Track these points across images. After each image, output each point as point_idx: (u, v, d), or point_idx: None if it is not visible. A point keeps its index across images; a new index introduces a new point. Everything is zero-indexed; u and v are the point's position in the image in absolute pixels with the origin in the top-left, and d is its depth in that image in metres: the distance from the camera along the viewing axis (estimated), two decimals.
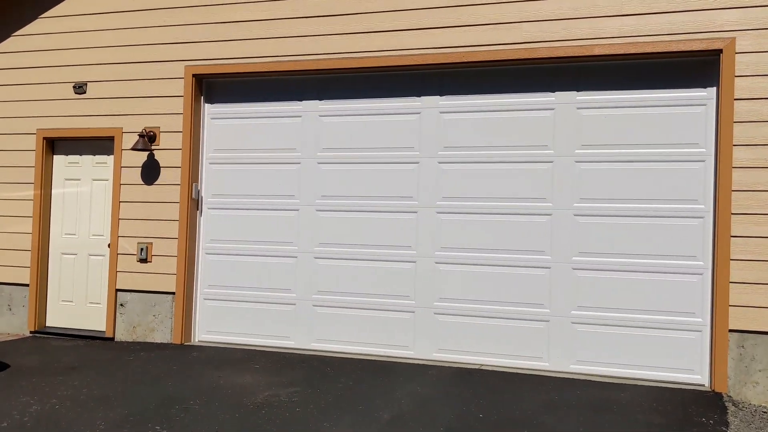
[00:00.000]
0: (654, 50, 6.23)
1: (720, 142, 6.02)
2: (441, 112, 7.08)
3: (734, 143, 5.96)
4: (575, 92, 6.64)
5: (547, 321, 6.69)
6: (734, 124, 5.96)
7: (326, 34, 7.31)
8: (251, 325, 7.71)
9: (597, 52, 6.39)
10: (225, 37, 7.65)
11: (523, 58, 6.64)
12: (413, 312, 7.14)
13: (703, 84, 6.25)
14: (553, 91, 6.71)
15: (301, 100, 7.61)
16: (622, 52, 6.32)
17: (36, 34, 8.38)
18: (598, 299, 6.52)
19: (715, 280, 6.05)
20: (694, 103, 6.29)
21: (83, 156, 8.34)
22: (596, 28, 6.42)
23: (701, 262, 6.24)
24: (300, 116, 7.61)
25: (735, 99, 5.97)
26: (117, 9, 8.09)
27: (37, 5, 8.38)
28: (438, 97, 7.10)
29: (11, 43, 8.49)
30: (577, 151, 6.63)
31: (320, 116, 7.52)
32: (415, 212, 7.14)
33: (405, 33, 7.03)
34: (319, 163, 7.51)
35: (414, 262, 7.14)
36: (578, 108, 6.63)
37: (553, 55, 6.54)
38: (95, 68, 8.13)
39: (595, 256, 6.55)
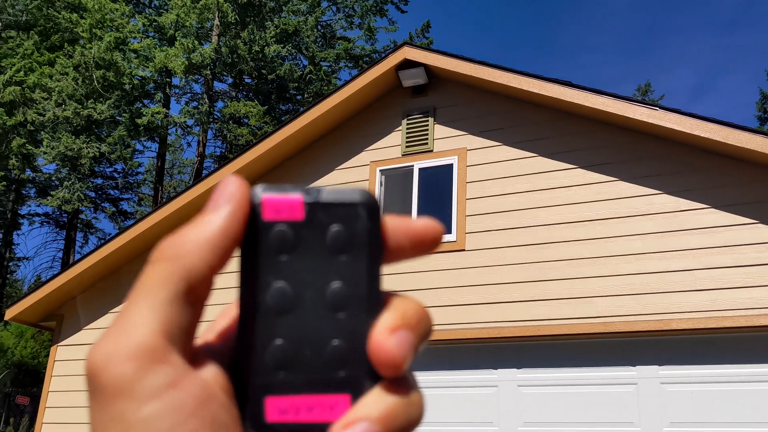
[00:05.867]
0: (734, 324, 6.13)
1: None
2: (519, 386, 6.97)
3: None
4: (657, 366, 6.48)
5: None
6: None
7: None
8: None
9: (674, 326, 6.33)
10: None
11: (599, 332, 6.62)
12: None
13: None
14: (634, 365, 6.57)
15: None
16: (700, 326, 6.24)
17: None
18: None
19: None
20: None
21: None
22: (671, 302, 6.43)
23: None
24: None
25: None
26: None
27: None
28: (516, 370, 7.04)
29: None
30: (665, 429, 6.30)
31: None
32: None
33: (479, 307, 7.20)
34: None
35: None
36: (662, 383, 6.42)
37: (629, 329, 6.50)
38: None
39: None
